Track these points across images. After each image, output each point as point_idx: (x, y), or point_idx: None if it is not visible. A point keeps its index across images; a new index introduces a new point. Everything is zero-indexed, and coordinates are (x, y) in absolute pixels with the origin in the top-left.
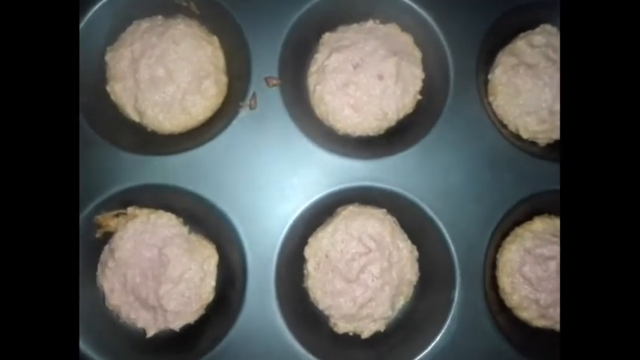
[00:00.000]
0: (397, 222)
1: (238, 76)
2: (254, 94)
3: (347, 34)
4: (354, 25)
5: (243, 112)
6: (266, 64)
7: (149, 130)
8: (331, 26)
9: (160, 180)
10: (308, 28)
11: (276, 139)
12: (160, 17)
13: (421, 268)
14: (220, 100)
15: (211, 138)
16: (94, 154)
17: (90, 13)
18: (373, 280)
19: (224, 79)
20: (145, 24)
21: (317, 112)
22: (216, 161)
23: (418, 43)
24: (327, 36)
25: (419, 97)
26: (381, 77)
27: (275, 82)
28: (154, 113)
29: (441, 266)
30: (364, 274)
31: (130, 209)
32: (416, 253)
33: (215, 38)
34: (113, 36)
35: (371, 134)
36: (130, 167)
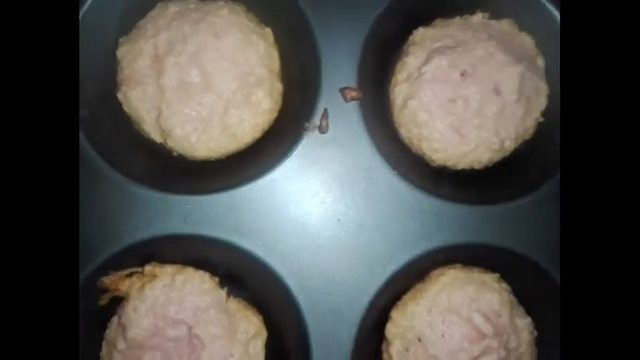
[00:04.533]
0: (511, 291)
1: (297, 83)
2: (325, 112)
3: (449, 29)
4: (457, 19)
5: (309, 136)
6: (341, 69)
7: (175, 154)
8: (424, 19)
9: (190, 229)
10: (393, 20)
11: (354, 173)
12: None
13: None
14: (274, 115)
15: (264, 171)
16: (99, 189)
17: None
18: None
19: (279, 87)
20: (173, 8)
21: (404, 134)
22: (268, 203)
23: (540, 47)
24: (420, 32)
25: (540, 119)
26: (498, 92)
27: (355, 94)
28: (184, 133)
29: None
30: None
31: (148, 267)
32: (535, 333)
33: (269, 30)
34: (128, 23)
35: (477, 167)
36: (148, 209)
